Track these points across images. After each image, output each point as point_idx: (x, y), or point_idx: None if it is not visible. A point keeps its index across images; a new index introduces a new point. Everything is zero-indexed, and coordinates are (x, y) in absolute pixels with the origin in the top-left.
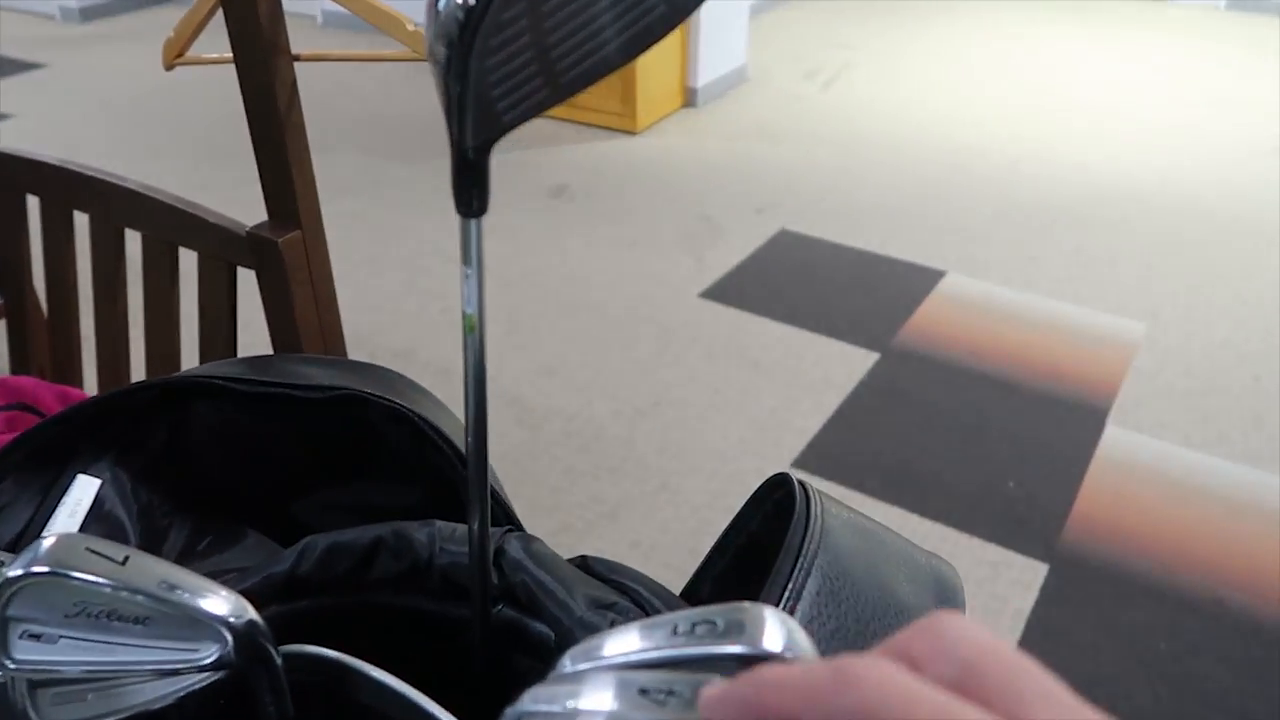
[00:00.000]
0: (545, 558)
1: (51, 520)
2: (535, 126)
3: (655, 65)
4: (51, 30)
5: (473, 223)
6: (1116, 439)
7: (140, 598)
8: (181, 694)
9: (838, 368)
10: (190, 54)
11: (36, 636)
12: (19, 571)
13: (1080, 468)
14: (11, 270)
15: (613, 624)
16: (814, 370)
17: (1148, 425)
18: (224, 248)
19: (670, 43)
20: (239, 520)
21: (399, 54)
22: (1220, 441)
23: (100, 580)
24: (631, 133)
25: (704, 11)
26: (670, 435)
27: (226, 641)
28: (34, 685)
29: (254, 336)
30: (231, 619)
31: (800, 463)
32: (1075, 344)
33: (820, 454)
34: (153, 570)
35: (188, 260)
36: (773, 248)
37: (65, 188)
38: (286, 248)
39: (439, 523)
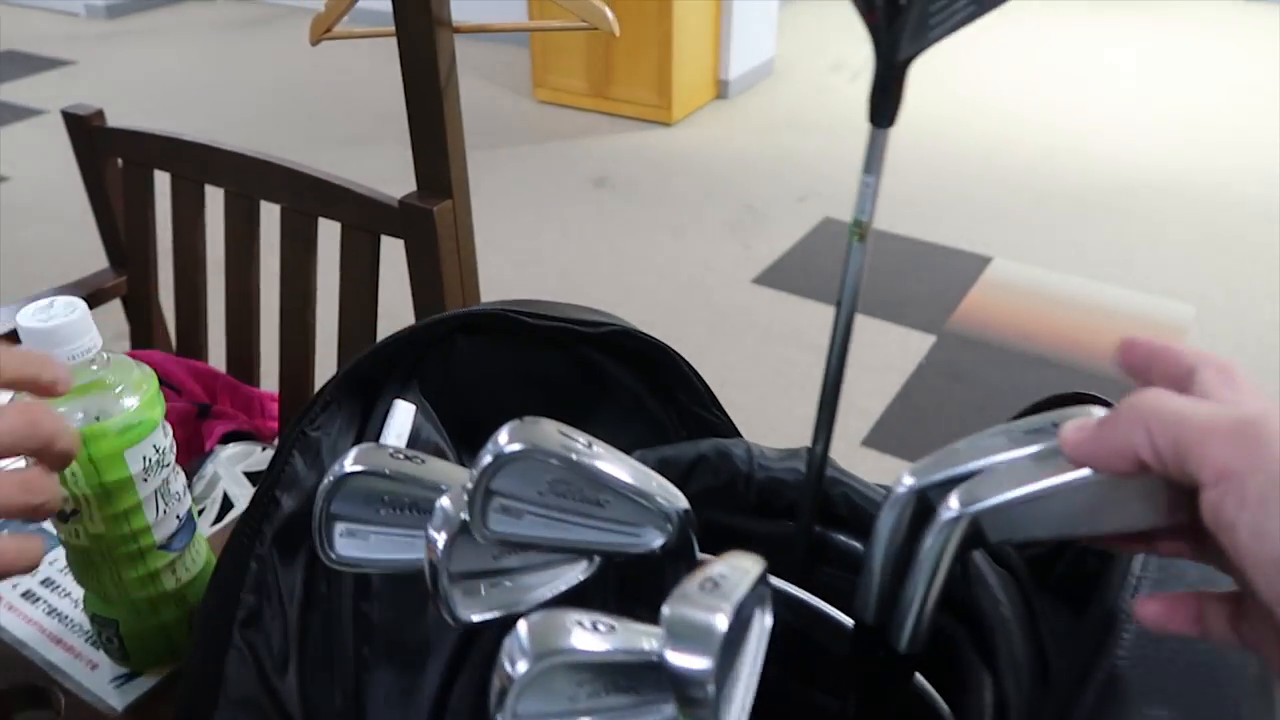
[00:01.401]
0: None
1: (382, 441)
2: (572, 119)
3: (688, 58)
4: (78, 27)
5: (881, 133)
6: None
7: (605, 481)
8: (576, 583)
9: (896, 350)
10: (339, 29)
11: (508, 510)
12: (509, 449)
13: None
14: (138, 246)
15: None
16: (874, 353)
17: None
18: (371, 218)
19: (703, 35)
20: None
21: (565, 24)
22: None
23: (573, 459)
24: (667, 124)
25: (735, 5)
26: (736, 416)
27: (667, 530)
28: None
29: (385, 306)
30: (679, 508)
31: (869, 442)
32: (1126, 326)
33: (886, 433)
34: (614, 456)
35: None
36: (818, 235)
37: (200, 163)
38: (440, 216)
39: (751, 441)
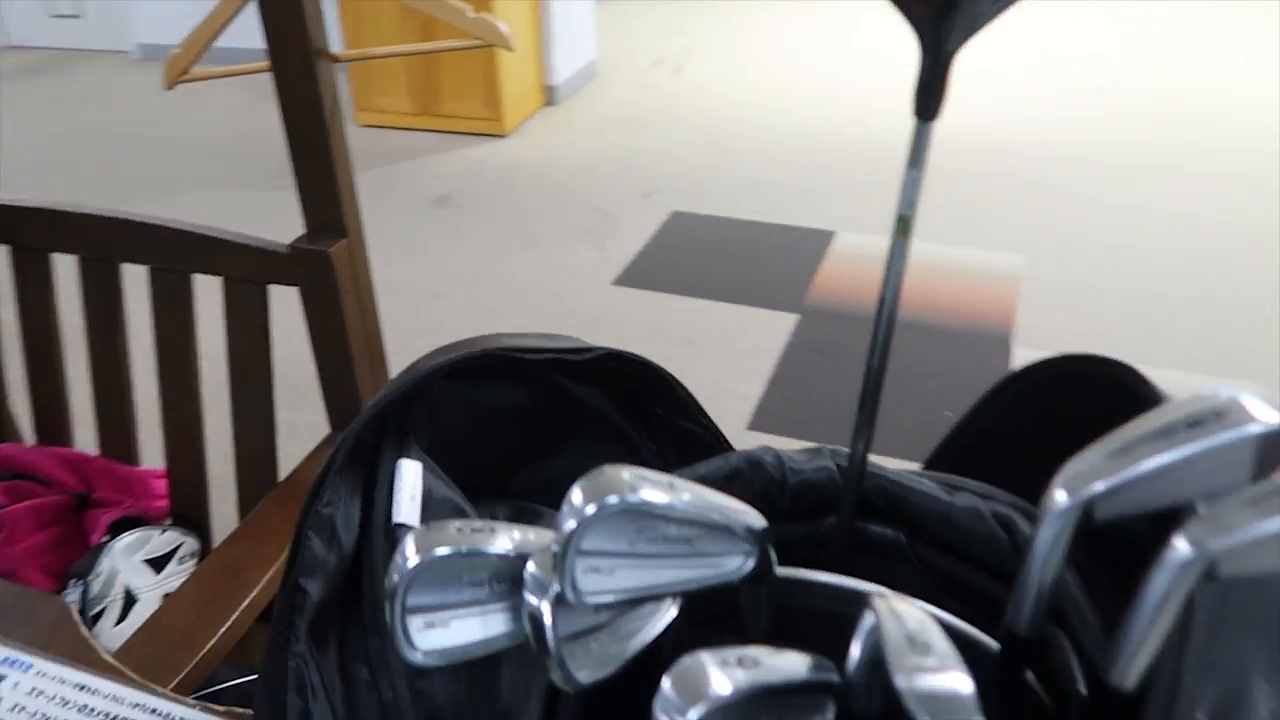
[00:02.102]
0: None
1: (395, 508)
2: (401, 140)
3: (513, 67)
4: None
5: (925, 127)
6: (1025, 358)
7: (693, 516)
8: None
9: (764, 333)
10: (196, 69)
11: (598, 570)
12: (594, 509)
13: None
14: None
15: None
16: (743, 338)
17: (1046, 341)
18: (257, 268)
19: (524, 42)
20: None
21: (459, 43)
22: (1111, 347)
23: (659, 504)
24: (500, 136)
25: (554, 9)
26: None
27: (751, 553)
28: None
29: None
30: (760, 526)
31: (754, 425)
32: (968, 282)
33: (769, 414)
34: (692, 489)
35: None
36: (670, 230)
37: (45, 230)
38: (337, 257)
39: (776, 448)
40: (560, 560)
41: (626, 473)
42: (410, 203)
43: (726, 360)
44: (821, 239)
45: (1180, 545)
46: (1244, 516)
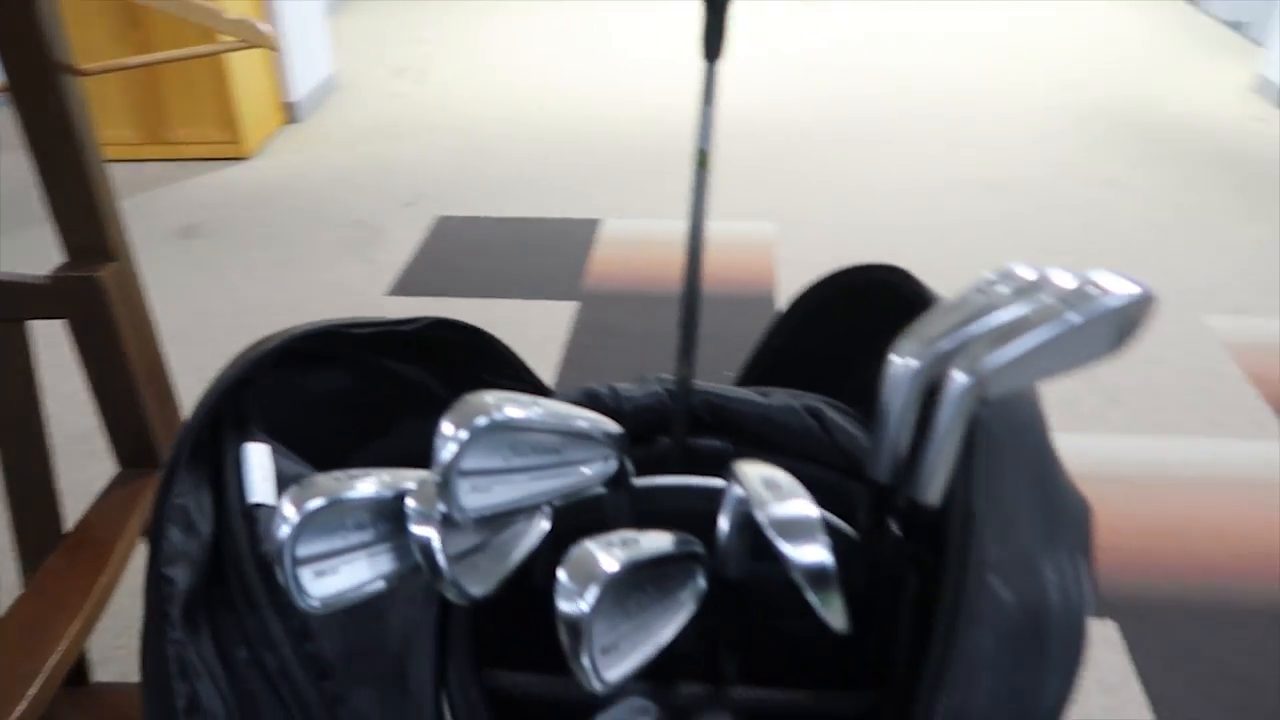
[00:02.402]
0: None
1: (249, 490)
2: (132, 172)
3: (247, 86)
4: None
5: (712, 67)
6: None
7: (559, 425)
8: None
9: (547, 323)
10: None
11: (478, 487)
12: (472, 428)
13: None
14: None
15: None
16: (529, 330)
17: None
18: (11, 305)
19: (256, 60)
20: None
21: (215, 48)
22: None
23: (530, 416)
24: (243, 159)
25: (285, 24)
26: None
27: (612, 456)
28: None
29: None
30: (615, 432)
31: None
32: (731, 252)
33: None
34: (551, 402)
35: None
36: (438, 235)
37: None
38: (108, 281)
39: (608, 382)
40: (444, 484)
41: (489, 396)
42: (151, 238)
43: (519, 351)
44: (589, 228)
45: (958, 375)
46: (999, 346)
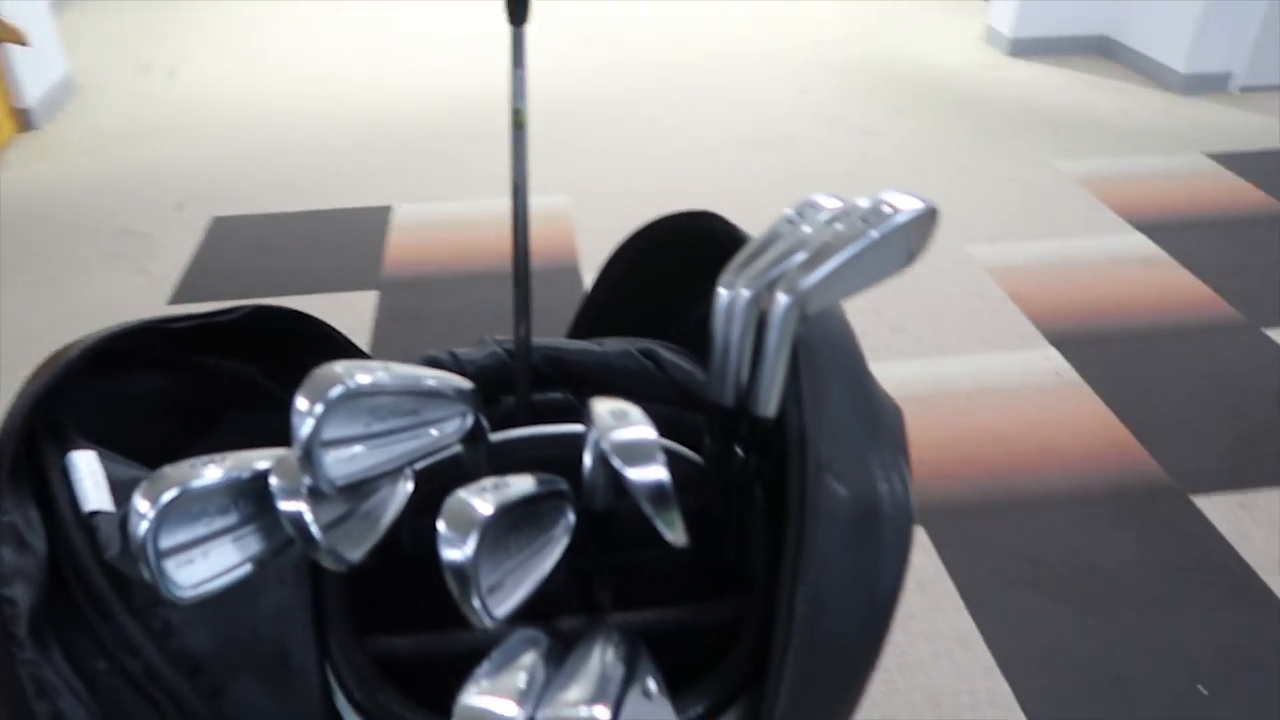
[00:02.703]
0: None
1: (82, 499)
2: None
3: None
4: None
5: (520, 31)
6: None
7: (412, 385)
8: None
9: (351, 315)
10: None
11: (340, 457)
12: (328, 400)
13: None
14: None
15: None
16: (332, 324)
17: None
18: None
19: None
20: None
21: None
22: None
23: (383, 379)
24: None
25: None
26: None
27: (467, 412)
28: (326, 531)
29: None
30: (467, 388)
31: None
32: (533, 226)
33: None
34: (400, 365)
35: None
36: (216, 237)
37: None
38: None
39: (446, 348)
40: (307, 457)
41: (339, 366)
42: None
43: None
44: (380, 215)
45: (781, 297)
46: (814, 267)
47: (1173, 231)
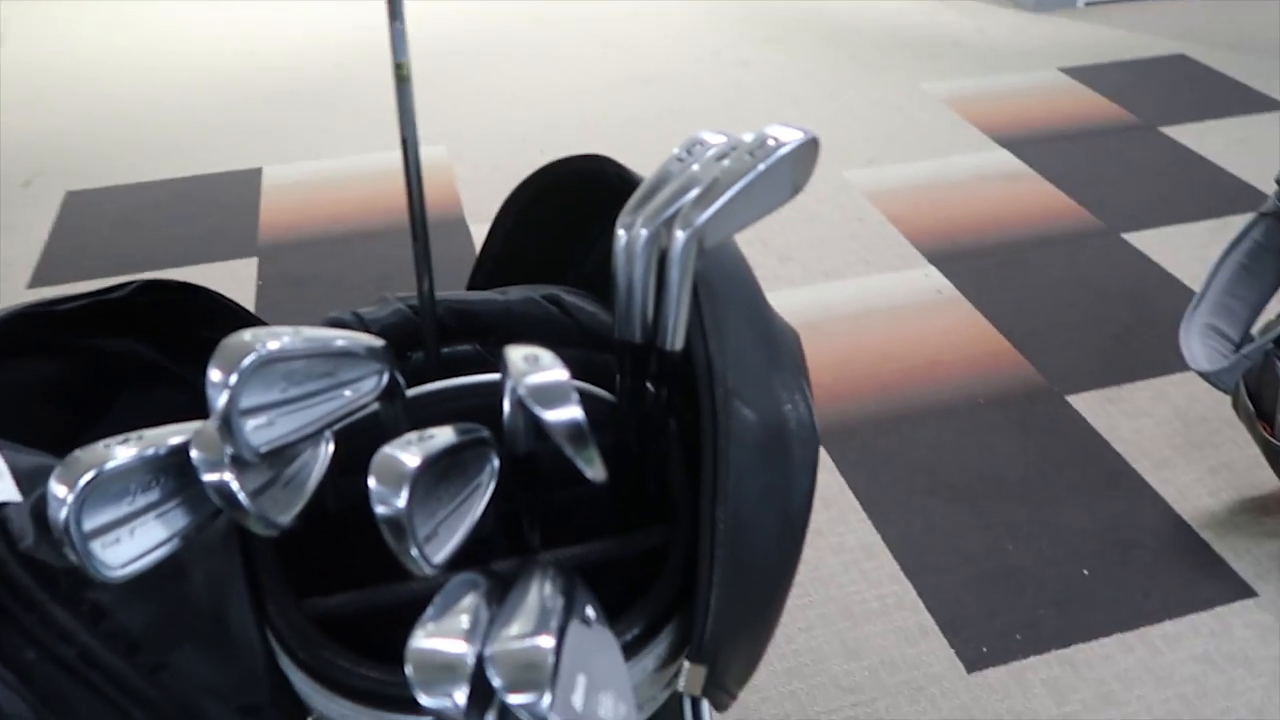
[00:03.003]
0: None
1: None
2: None
3: None
4: None
5: None
6: (479, 234)
7: (325, 347)
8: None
9: (229, 285)
10: None
11: (260, 425)
12: (241, 369)
13: None
14: None
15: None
16: None
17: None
18: None
19: None
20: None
21: None
22: None
23: (297, 347)
24: None
25: None
26: None
27: (381, 369)
28: (254, 498)
29: None
30: (379, 345)
31: None
32: (391, 180)
33: None
34: (309, 329)
35: None
36: (71, 214)
37: None
38: None
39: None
40: (226, 427)
41: (248, 334)
42: None
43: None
44: (251, 178)
45: (679, 234)
46: (707, 203)
47: (1034, 145)
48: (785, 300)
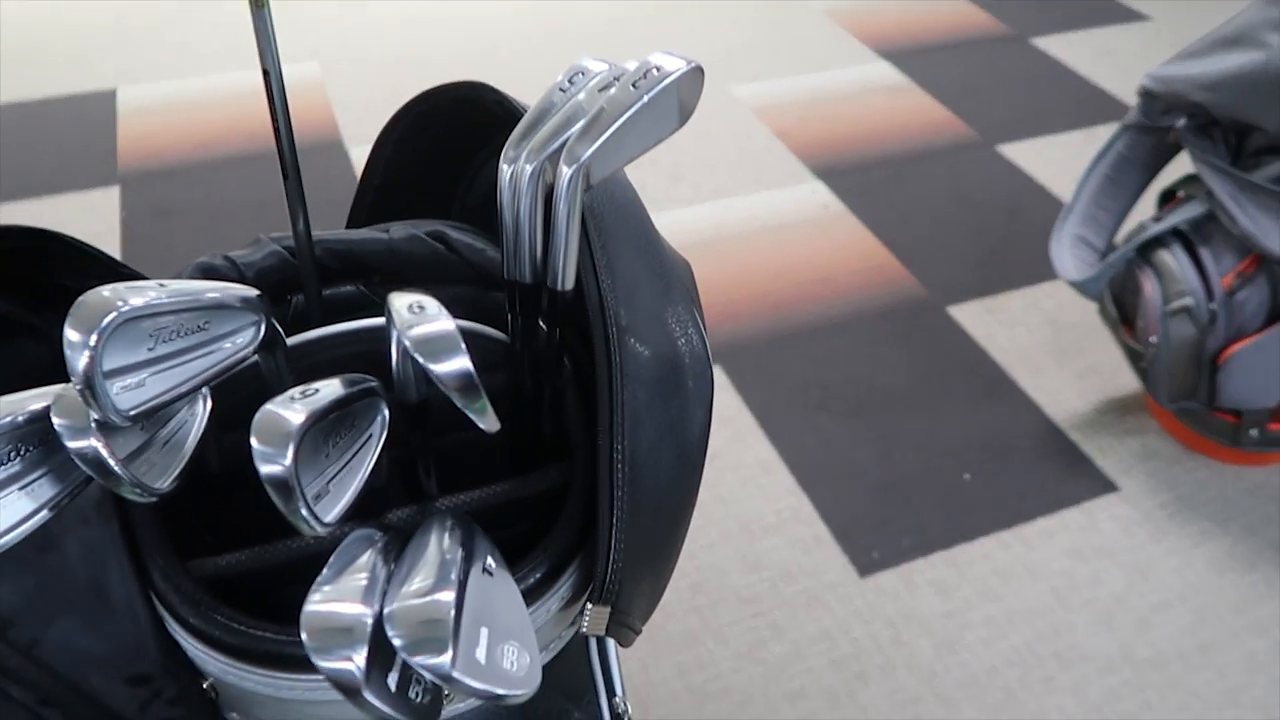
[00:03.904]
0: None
1: None
2: None
3: None
4: None
5: None
6: (360, 156)
7: (195, 300)
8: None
9: (91, 218)
10: None
11: (128, 386)
12: (100, 328)
13: None
14: None
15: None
16: (71, 230)
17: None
18: None
19: None
20: None
21: None
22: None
23: (162, 302)
24: None
25: None
26: None
27: (257, 320)
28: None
29: None
30: (253, 295)
31: None
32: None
33: None
34: (178, 282)
35: None
36: None
37: None
38: None
39: (222, 252)
40: (90, 391)
41: (107, 291)
42: None
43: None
44: (105, 101)
45: (565, 169)
46: (592, 136)
47: (913, 57)
48: (677, 220)
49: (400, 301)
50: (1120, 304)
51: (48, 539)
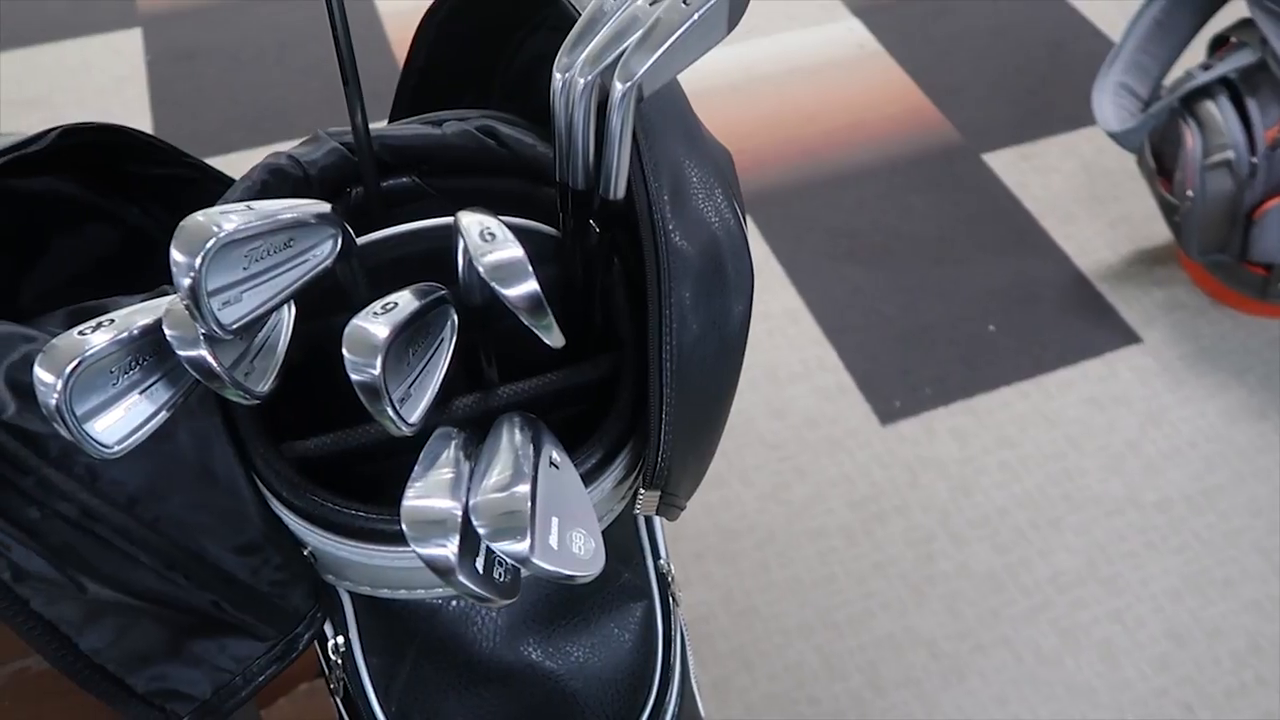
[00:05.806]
0: None
1: None
2: None
3: None
4: None
5: None
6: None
7: (281, 220)
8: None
9: (115, 61)
10: None
11: (229, 302)
12: (198, 262)
13: None
14: None
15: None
16: (96, 75)
17: (405, 29)
18: None
19: None
20: None
21: None
22: None
23: (253, 224)
24: None
25: None
26: None
27: (334, 233)
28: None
29: None
30: (327, 210)
31: None
32: None
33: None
34: (260, 203)
35: None
36: None
37: None
38: None
39: (284, 150)
40: (196, 308)
41: (202, 216)
42: None
43: (83, 109)
44: None
45: (619, 85)
46: (647, 51)
47: None
48: (707, 62)
49: (471, 222)
50: (1159, 155)
51: (163, 431)
